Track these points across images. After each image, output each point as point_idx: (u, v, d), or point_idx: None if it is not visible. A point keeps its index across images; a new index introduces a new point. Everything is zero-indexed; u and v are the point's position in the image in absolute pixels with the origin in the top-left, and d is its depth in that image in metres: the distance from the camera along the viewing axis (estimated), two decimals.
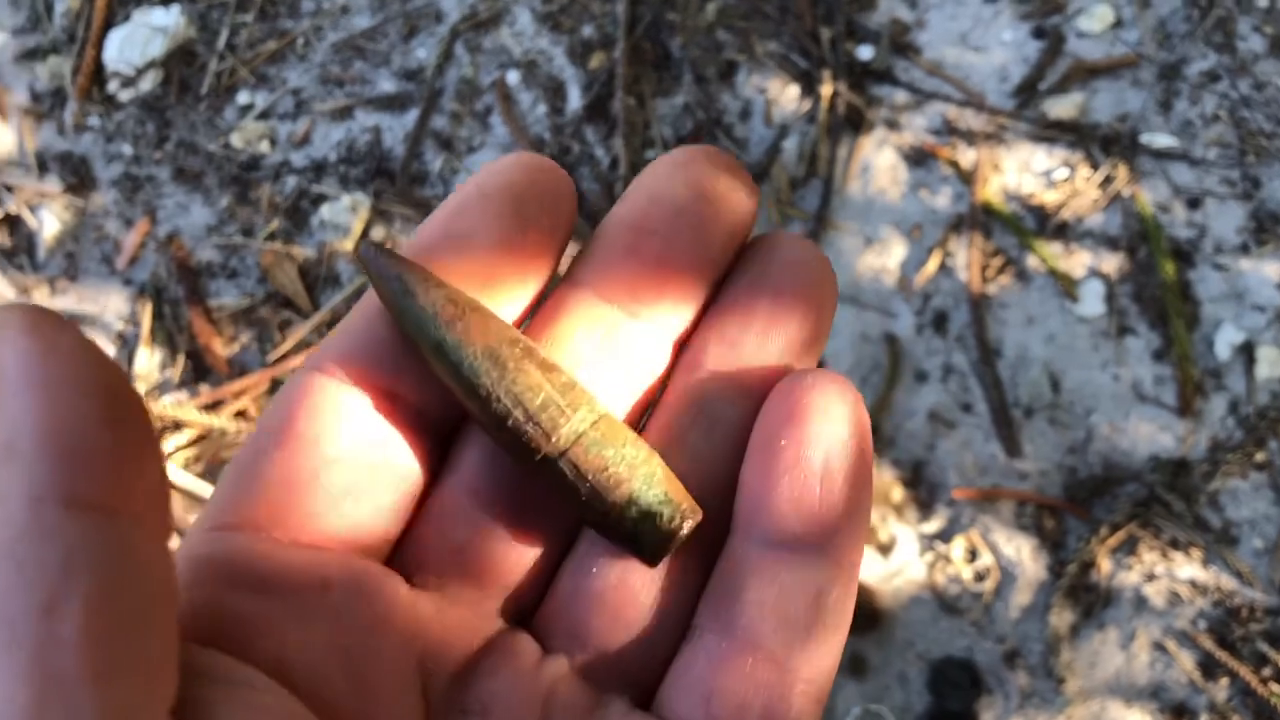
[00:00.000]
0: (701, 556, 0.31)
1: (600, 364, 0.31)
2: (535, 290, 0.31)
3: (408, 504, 0.30)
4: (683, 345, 0.32)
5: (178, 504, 1.08)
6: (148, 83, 1.20)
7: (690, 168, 0.31)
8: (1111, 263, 1.12)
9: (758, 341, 0.31)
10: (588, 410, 0.30)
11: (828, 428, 0.29)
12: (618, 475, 0.29)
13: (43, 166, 1.18)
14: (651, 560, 0.29)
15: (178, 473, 1.08)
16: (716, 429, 0.31)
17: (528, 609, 0.31)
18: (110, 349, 1.14)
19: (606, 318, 0.31)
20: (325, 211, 1.15)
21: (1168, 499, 1.05)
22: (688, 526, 0.29)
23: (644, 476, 0.29)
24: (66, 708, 0.17)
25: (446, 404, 0.30)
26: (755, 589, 0.29)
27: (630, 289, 0.31)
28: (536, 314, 0.32)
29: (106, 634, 0.18)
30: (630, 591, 0.30)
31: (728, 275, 0.32)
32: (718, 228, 0.31)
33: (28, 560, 0.17)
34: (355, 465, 0.29)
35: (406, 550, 0.30)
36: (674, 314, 0.31)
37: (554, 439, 0.29)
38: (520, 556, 0.31)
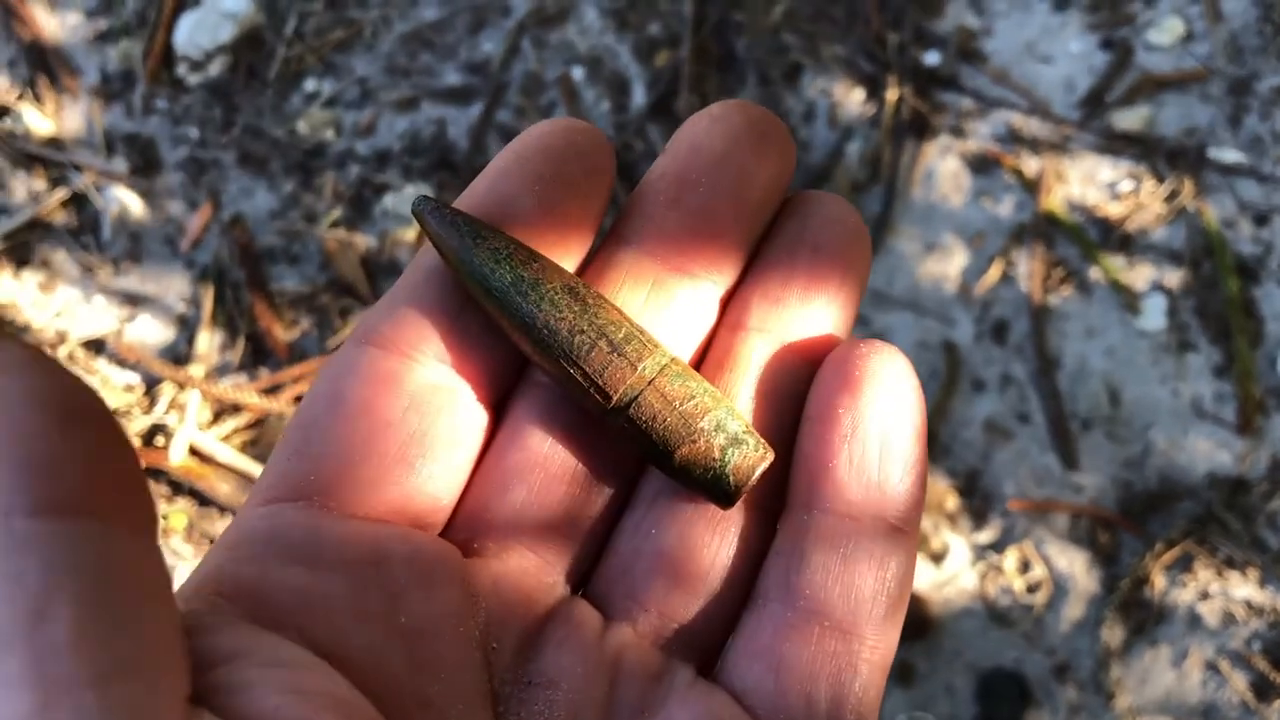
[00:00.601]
0: (760, 522, 0.30)
1: (648, 320, 0.31)
2: (579, 250, 0.31)
3: (463, 470, 0.30)
4: (727, 301, 0.32)
5: (235, 486, 1.09)
6: (216, 67, 1.21)
7: (728, 120, 0.31)
8: (1174, 277, 1.11)
9: (800, 299, 0.31)
10: (664, 348, 0.29)
11: (885, 397, 0.29)
12: (703, 404, 0.29)
13: (110, 147, 1.19)
14: (728, 499, 0.29)
15: (235, 455, 1.10)
16: (768, 393, 0.31)
17: (586, 573, 0.31)
18: (171, 330, 1.15)
19: (653, 274, 0.31)
20: (388, 201, 1.16)
21: (1224, 517, 1.04)
22: (769, 459, 0.29)
23: (726, 408, 0.29)
24: (72, 711, 0.17)
25: (499, 368, 0.30)
26: (820, 558, 0.28)
27: (675, 244, 0.31)
28: (584, 272, 0.32)
29: (102, 634, 0.17)
30: (691, 552, 0.29)
31: (768, 232, 0.32)
32: (757, 180, 0.31)
33: (6, 573, 0.17)
34: (407, 432, 0.28)
35: (463, 517, 0.30)
36: (718, 270, 0.31)
37: (640, 369, 0.28)
38: (578, 519, 0.30)
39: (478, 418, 0.30)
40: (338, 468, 0.27)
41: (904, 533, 0.29)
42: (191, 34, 1.20)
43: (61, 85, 1.21)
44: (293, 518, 0.27)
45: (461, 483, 0.30)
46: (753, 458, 0.29)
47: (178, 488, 1.10)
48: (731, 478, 0.29)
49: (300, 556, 0.26)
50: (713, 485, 0.29)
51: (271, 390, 1.11)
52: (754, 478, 0.29)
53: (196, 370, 1.12)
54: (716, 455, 0.28)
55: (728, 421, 0.29)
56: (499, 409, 0.31)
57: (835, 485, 0.29)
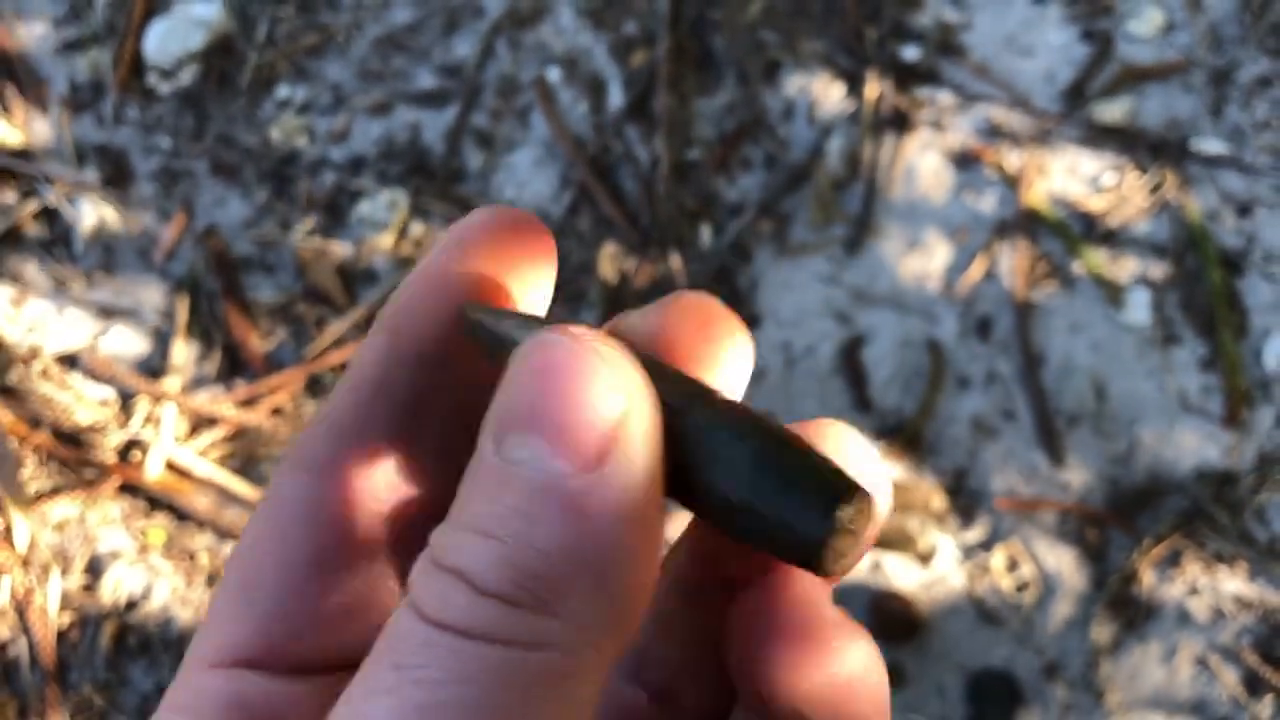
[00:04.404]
0: None
1: None
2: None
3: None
4: None
5: (214, 500, 1.08)
6: (187, 75, 1.19)
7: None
8: (1159, 270, 1.10)
9: None
10: None
11: None
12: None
13: (81, 158, 1.18)
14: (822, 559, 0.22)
15: (213, 469, 1.08)
16: None
17: None
18: (146, 343, 1.14)
19: None
20: (363, 208, 1.14)
21: (1213, 512, 1.03)
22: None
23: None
24: None
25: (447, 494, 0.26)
26: None
27: None
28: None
29: None
30: None
31: None
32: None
33: None
34: (343, 582, 0.25)
35: None
36: None
37: None
38: None
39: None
40: (275, 627, 0.25)
41: None
42: (161, 42, 1.18)
43: (30, 95, 1.19)
44: (244, 682, 0.24)
45: None
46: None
47: (155, 503, 1.08)
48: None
49: None
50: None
51: (248, 402, 1.09)
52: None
53: (172, 383, 1.11)
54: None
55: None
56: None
57: None
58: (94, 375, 1.12)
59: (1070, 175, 1.13)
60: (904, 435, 1.06)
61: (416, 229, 1.14)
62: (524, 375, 0.20)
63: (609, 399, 0.20)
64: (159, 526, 1.08)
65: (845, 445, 0.24)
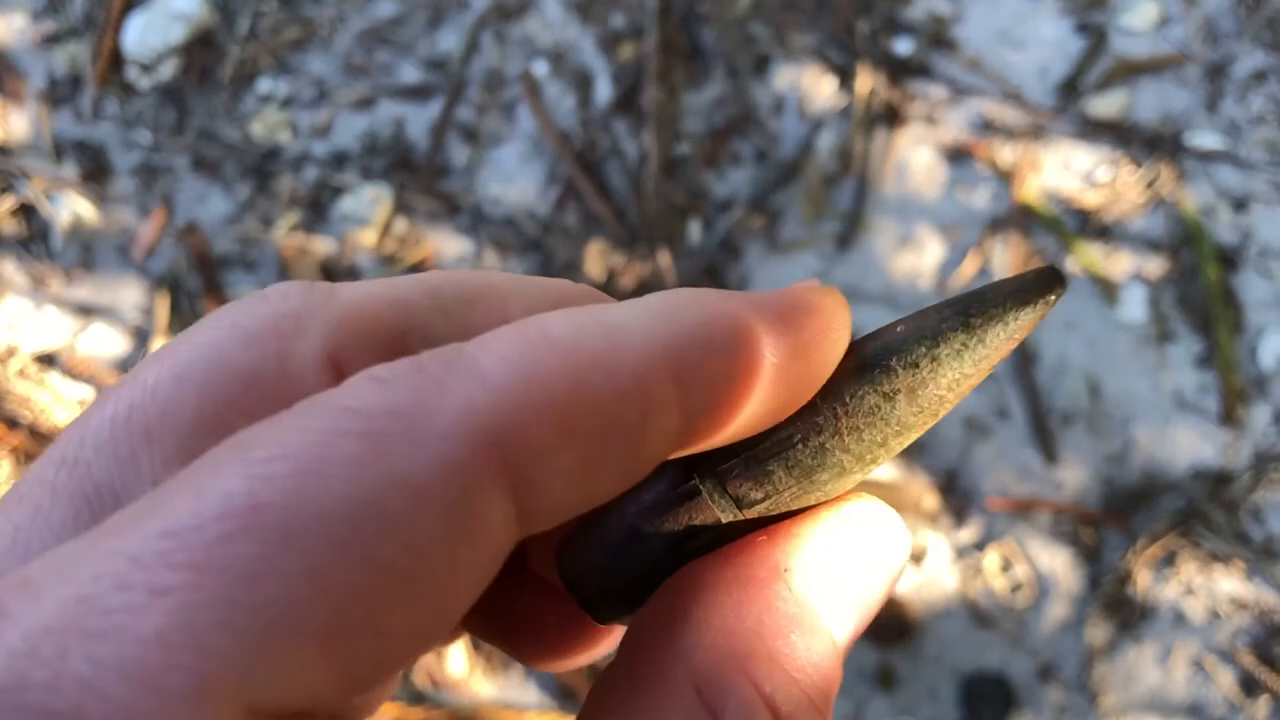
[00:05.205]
0: None
1: None
2: None
3: None
4: None
5: None
6: (167, 70, 1.17)
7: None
8: (1154, 266, 1.09)
9: None
10: None
11: None
12: None
13: (59, 154, 1.16)
14: None
15: None
16: None
17: None
18: (126, 342, 1.12)
19: None
20: (346, 204, 1.13)
21: (1208, 511, 1.02)
22: None
23: None
24: None
25: None
26: None
27: None
28: None
29: None
30: None
31: None
32: None
33: None
34: None
35: None
36: None
37: None
38: None
39: None
40: None
41: None
42: (141, 35, 1.16)
43: (7, 90, 1.17)
44: None
45: None
46: None
47: None
48: None
49: None
50: None
51: None
52: None
53: None
54: None
55: None
56: None
57: None
58: (73, 375, 1.10)
59: (1064, 170, 1.12)
60: None
61: (400, 225, 1.12)
62: None
63: None
64: None
65: None
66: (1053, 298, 0.20)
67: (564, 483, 0.16)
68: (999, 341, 0.20)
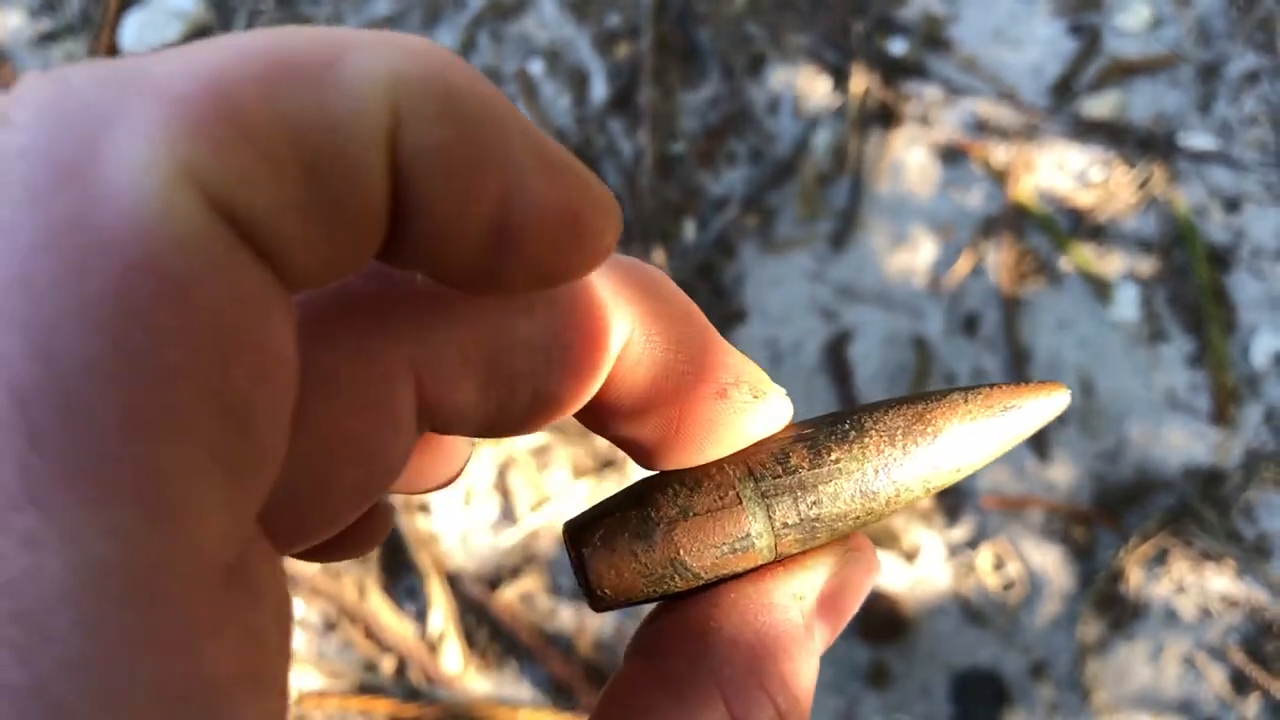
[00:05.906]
0: None
1: None
2: None
3: None
4: None
5: None
6: None
7: None
8: (1146, 266, 1.09)
9: None
10: None
11: None
12: None
13: None
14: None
15: None
16: None
17: None
18: None
19: None
20: None
21: (1200, 509, 1.03)
22: None
23: None
24: None
25: None
26: None
27: None
28: None
29: None
30: None
31: None
32: None
33: None
34: None
35: None
36: None
37: None
38: None
39: None
40: None
41: None
42: (138, 33, 1.17)
43: (3, 88, 1.18)
44: None
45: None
46: None
47: None
48: None
49: None
50: None
51: None
52: None
53: None
54: None
55: None
56: None
57: None
58: None
59: (1058, 170, 1.12)
60: None
61: None
62: None
63: None
64: None
65: None
66: None
67: (293, 221, 0.14)
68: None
